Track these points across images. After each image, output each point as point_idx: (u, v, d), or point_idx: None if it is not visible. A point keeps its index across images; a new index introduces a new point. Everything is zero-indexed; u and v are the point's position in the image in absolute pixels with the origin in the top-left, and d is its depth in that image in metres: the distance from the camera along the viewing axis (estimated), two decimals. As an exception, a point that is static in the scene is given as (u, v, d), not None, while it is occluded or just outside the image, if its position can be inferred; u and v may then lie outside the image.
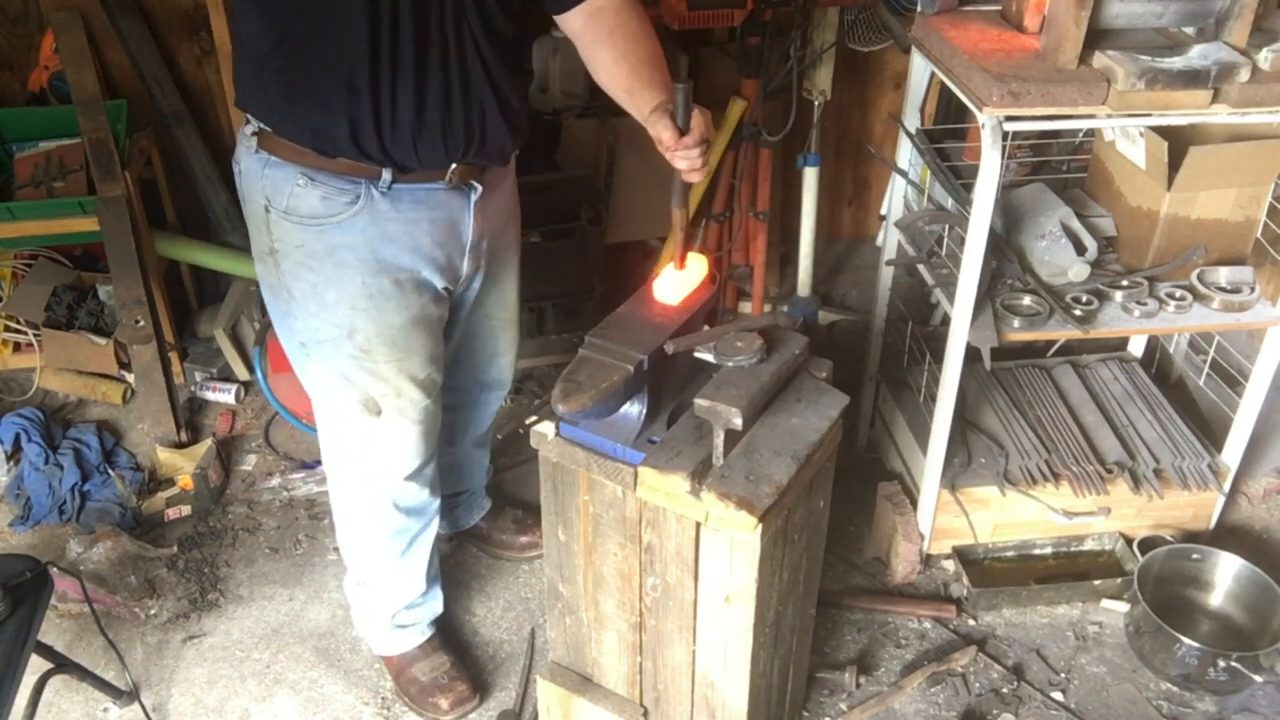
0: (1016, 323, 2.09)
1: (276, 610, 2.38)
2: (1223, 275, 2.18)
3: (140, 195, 2.77)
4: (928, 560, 2.42)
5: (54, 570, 1.89)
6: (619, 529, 1.62)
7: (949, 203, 2.29)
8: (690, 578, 1.59)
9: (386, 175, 1.65)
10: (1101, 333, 2.13)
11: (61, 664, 1.97)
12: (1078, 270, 2.16)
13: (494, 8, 1.60)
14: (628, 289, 1.76)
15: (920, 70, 2.28)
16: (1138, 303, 2.13)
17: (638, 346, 1.55)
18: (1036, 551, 2.42)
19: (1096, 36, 1.89)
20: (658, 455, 1.51)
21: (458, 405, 2.18)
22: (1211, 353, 2.49)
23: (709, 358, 1.56)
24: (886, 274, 2.54)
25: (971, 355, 2.13)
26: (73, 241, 2.97)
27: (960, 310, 2.06)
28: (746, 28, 2.66)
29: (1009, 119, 1.87)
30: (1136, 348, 2.79)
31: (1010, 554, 2.41)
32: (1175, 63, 1.85)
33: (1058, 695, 2.16)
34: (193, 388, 3.00)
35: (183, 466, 2.67)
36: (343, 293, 1.70)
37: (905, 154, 2.42)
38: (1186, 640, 2.08)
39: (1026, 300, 2.14)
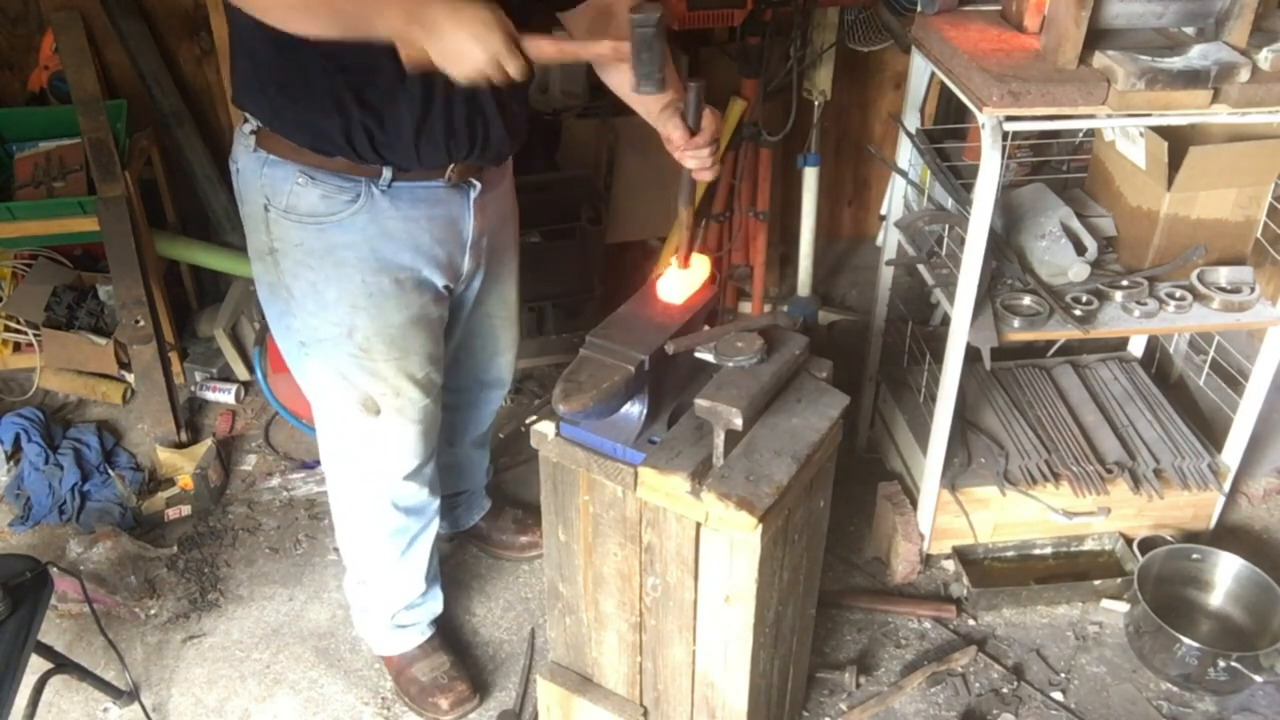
0: (1016, 323, 2.09)
1: (276, 610, 2.38)
2: (1223, 275, 2.19)
3: (140, 195, 2.77)
4: (928, 560, 2.42)
5: (54, 570, 1.89)
6: (619, 529, 1.62)
7: (949, 203, 2.29)
8: (690, 578, 1.59)
9: (386, 174, 1.64)
10: (1101, 333, 2.13)
11: (61, 664, 1.97)
12: (1078, 270, 2.16)
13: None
14: (628, 289, 1.75)
15: (920, 70, 2.28)
16: (1138, 303, 2.13)
17: (638, 347, 1.55)
18: (1036, 551, 2.42)
19: (1096, 36, 1.89)
20: (658, 455, 1.51)
21: (458, 405, 2.18)
22: (1211, 353, 2.49)
23: (709, 358, 1.56)
24: (886, 274, 2.54)
25: (971, 355, 2.13)
26: (73, 241, 2.97)
27: (960, 310, 2.06)
28: (746, 28, 2.66)
29: (1009, 119, 1.87)
30: (1136, 348, 2.79)
31: (1010, 554, 2.41)
32: (1175, 63, 1.85)
33: (1058, 695, 2.16)
34: (193, 388, 3.00)
35: (183, 466, 2.67)
36: (343, 291, 1.70)
37: (905, 154, 2.42)
38: (1186, 640, 2.08)
39: (1026, 300, 2.14)
